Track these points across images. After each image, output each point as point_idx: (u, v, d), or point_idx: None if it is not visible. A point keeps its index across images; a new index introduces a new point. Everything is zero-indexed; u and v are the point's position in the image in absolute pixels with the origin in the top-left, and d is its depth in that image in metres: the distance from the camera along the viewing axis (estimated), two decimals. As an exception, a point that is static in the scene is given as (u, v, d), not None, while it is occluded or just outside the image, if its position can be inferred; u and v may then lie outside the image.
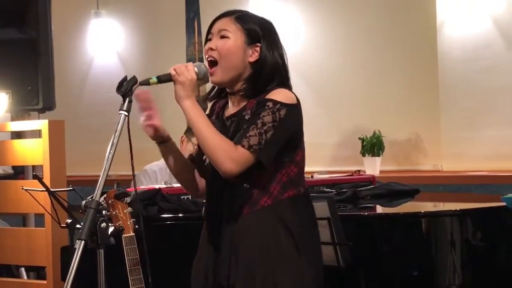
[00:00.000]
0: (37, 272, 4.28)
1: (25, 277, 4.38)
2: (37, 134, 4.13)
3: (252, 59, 2.50)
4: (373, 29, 5.06)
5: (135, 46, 5.90)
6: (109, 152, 2.42)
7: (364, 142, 4.85)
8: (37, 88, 4.19)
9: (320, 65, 5.09)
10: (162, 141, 2.60)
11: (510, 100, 4.62)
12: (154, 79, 2.46)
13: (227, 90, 2.56)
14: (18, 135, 4.31)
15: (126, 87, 2.45)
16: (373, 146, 4.82)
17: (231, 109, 2.55)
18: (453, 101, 4.78)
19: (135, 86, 2.44)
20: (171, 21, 5.74)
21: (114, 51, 5.90)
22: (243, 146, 2.37)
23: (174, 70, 2.44)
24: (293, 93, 2.47)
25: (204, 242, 2.60)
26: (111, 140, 2.43)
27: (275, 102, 2.41)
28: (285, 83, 2.51)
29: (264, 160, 2.39)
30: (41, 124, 4.08)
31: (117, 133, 2.43)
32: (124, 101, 2.46)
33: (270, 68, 2.50)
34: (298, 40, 5.17)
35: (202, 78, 2.48)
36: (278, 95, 2.43)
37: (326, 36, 5.19)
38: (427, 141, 4.94)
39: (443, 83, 4.82)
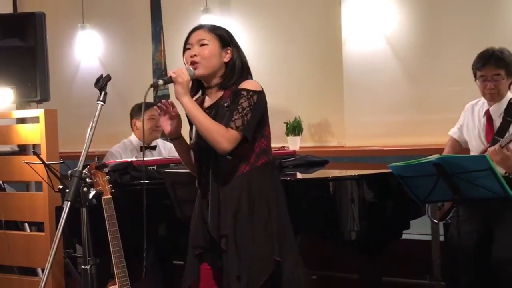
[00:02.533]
0: (38, 226, 4.25)
1: (28, 230, 4.35)
2: (36, 120, 4.10)
3: (226, 60, 2.53)
4: (296, 41, 5.07)
5: (112, 52, 5.85)
6: (89, 134, 2.45)
7: (288, 125, 4.86)
8: (36, 84, 4.18)
9: (256, 67, 5.05)
10: (175, 138, 2.56)
11: (392, 94, 4.70)
12: (161, 82, 2.46)
13: (205, 84, 2.55)
14: (21, 120, 4.30)
15: (101, 83, 2.48)
16: (294, 128, 4.83)
17: (208, 101, 2.55)
18: (353, 95, 4.85)
19: (105, 82, 2.46)
20: (141, 33, 5.71)
21: (96, 56, 5.85)
22: (232, 128, 2.40)
23: (174, 73, 2.42)
24: (258, 82, 2.52)
25: (197, 206, 2.59)
26: (90, 124, 2.46)
27: (248, 91, 2.45)
28: (249, 76, 2.57)
29: (248, 135, 2.43)
30: (38, 112, 4.08)
31: (95, 119, 2.46)
32: (100, 93, 2.49)
33: (239, 65, 2.54)
34: (246, 50, 5.15)
35: (192, 78, 2.47)
36: (249, 84, 2.48)
37: (261, 45, 5.18)
38: (334, 124, 4.97)
39: (346, 82, 4.87)
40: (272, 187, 2.56)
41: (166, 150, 4.32)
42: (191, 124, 2.56)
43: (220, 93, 2.52)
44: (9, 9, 5.85)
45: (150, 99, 5.57)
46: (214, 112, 2.49)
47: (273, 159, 2.61)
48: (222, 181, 2.48)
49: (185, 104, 2.42)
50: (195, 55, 2.47)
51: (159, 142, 4.39)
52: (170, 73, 2.46)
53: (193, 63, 2.48)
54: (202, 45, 2.49)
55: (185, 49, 2.54)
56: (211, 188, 2.50)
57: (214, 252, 2.53)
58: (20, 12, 5.56)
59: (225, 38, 2.54)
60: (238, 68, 2.54)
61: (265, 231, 2.49)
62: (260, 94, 2.49)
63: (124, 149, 4.31)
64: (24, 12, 4.58)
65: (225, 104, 2.47)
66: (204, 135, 2.42)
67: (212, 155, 2.48)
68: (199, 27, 2.56)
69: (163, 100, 2.50)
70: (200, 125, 2.42)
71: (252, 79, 2.57)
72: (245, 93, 2.44)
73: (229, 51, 2.53)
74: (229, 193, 2.48)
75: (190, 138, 2.63)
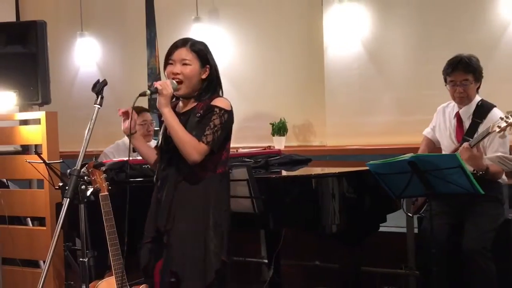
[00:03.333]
0: (39, 221, 4.23)
1: (31, 225, 4.33)
2: (37, 121, 4.09)
3: (204, 76, 2.55)
4: (281, 48, 5.05)
5: (110, 58, 5.80)
6: (87, 134, 2.45)
7: (274, 126, 4.84)
8: (37, 88, 4.16)
9: (242, 72, 5.09)
10: (132, 134, 2.60)
11: (370, 97, 4.70)
12: (148, 92, 2.49)
13: (182, 97, 2.58)
14: (24, 122, 4.28)
15: (98, 88, 2.47)
16: (279, 129, 4.82)
17: (182, 107, 2.59)
18: (334, 98, 4.84)
19: (102, 86, 2.46)
20: (136, 40, 5.68)
21: (94, 62, 5.80)
22: (203, 142, 2.45)
23: (160, 85, 2.45)
24: (229, 101, 2.56)
25: (154, 199, 2.63)
26: (88, 126, 2.45)
27: (220, 109, 2.50)
28: (220, 90, 2.61)
29: (216, 149, 2.49)
30: (40, 114, 4.07)
31: (92, 121, 2.45)
32: (97, 97, 2.47)
33: (215, 81, 2.58)
34: (228, 55, 5.14)
35: (174, 90, 2.50)
36: (222, 103, 2.53)
37: (247, 51, 5.16)
38: (316, 125, 4.95)
39: (327, 86, 4.86)
40: (226, 194, 2.62)
41: None
42: (161, 127, 2.65)
43: (194, 104, 2.57)
44: (12, 18, 5.82)
45: (144, 102, 5.55)
46: (186, 119, 2.53)
47: (228, 169, 2.66)
48: (182, 183, 2.53)
49: (165, 114, 2.47)
50: (178, 74, 2.51)
51: (153, 144, 4.35)
52: (156, 84, 2.48)
53: (175, 78, 2.52)
54: (185, 64, 2.52)
55: (167, 62, 2.56)
56: (167, 187, 2.54)
57: (161, 243, 2.56)
58: (22, 21, 5.52)
59: (203, 56, 2.57)
60: (213, 84, 2.58)
61: (214, 232, 2.52)
62: (230, 113, 2.55)
63: (117, 149, 4.28)
64: (26, 21, 4.54)
65: (197, 115, 2.52)
66: (178, 145, 2.46)
67: (176, 157, 2.51)
68: (182, 45, 2.56)
69: (124, 109, 2.57)
70: (176, 135, 2.45)
71: (222, 94, 2.62)
72: (217, 110, 2.50)
73: (207, 69, 2.57)
74: (185, 193, 2.52)
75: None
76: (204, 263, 2.49)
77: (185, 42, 2.56)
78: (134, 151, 4.20)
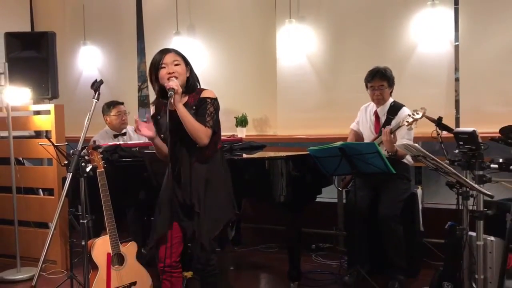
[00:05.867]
0: (49, 192, 4.19)
1: (42, 194, 4.27)
2: (48, 112, 4.04)
3: (188, 75, 2.51)
4: (243, 58, 5.01)
5: (107, 63, 5.67)
6: (86, 123, 2.43)
7: (237, 119, 4.83)
8: (48, 86, 4.12)
9: (214, 76, 5.05)
10: (154, 138, 2.50)
11: (311, 98, 4.71)
12: (171, 93, 2.36)
13: None
14: (37, 113, 4.25)
15: (96, 86, 2.44)
16: (242, 121, 4.81)
17: (172, 105, 2.45)
18: (284, 98, 4.85)
19: (99, 85, 2.43)
20: (129, 49, 5.57)
21: (95, 66, 5.67)
22: (208, 127, 2.41)
23: (176, 86, 2.37)
24: (213, 91, 2.52)
25: (168, 181, 2.49)
26: (87, 116, 2.43)
27: (211, 99, 2.46)
28: (199, 84, 2.56)
29: (217, 130, 2.47)
30: (50, 106, 4.03)
31: (91, 112, 2.43)
32: (95, 93, 2.45)
33: (194, 78, 2.54)
34: (202, 62, 5.07)
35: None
36: (210, 94, 2.49)
37: (218, 59, 5.10)
38: (270, 119, 4.95)
39: (279, 88, 4.86)
40: (225, 162, 2.60)
41: (135, 134, 4.18)
42: (155, 122, 2.53)
43: (185, 99, 2.50)
44: (27, 28, 5.69)
45: (135, 99, 5.50)
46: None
47: (222, 145, 2.64)
48: (195, 163, 2.47)
49: (179, 109, 2.39)
50: (173, 72, 2.45)
51: (129, 129, 4.24)
52: (172, 85, 2.38)
53: (171, 77, 2.44)
54: (176, 64, 2.47)
55: (160, 67, 2.46)
56: (183, 168, 2.47)
57: (183, 213, 2.50)
58: (36, 31, 5.38)
59: (186, 59, 2.55)
60: (194, 79, 2.55)
61: (228, 195, 2.52)
62: (217, 100, 2.52)
63: (102, 137, 4.14)
64: (39, 31, 4.44)
65: (193, 107, 2.46)
66: (191, 132, 2.40)
67: (185, 144, 2.45)
68: (170, 51, 2.51)
69: (146, 115, 2.48)
70: (190, 124, 2.39)
71: (200, 85, 2.57)
72: (209, 100, 2.46)
73: (189, 69, 2.54)
74: (200, 169, 2.47)
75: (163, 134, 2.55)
76: (217, 219, 2.47)
77: (170, 49, 2.53)
78: (115, 137, 4.17)
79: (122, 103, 4.22)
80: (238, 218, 4.44)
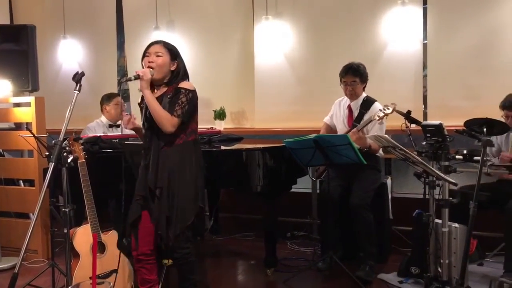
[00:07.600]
0: (30, 183, 4.11)
1: (22, 185, 4.19)
2: (28, 104, 3.96)
3: (172, 68, 2.52)
4: (222, 53, 4.99)
5: (87, 57, 5.58)
6: (68, 114, 2.40)
7: (215, 112, 4.82)
8: (28, 78, 4.02)
9: (193, 70, 4.99)
10: (136, 130, 2.57)
11: (287, 92, 4.72)
12: (133, 78, 2.43)
13: (155, 83, 2.53)
14: (17, 105, 4.13)
15: (77, 78, 2.41)
16: (220, 114, 4.80)
17: (157, 93, 2.53)
18: (261, 92, 4.85)
19: (80, 77, 2.41)
20: (109, 43, 5.49)
21: (75, 60, 5.57)
22: (174, 116, 2.42)
23: (142, 72, 2.41)
24: (192, 83, 2.53)
25: (142, 166, 2.56)
26: (69, 108, 2.39)
27: (185, 89, 2.47)
28: (186, 78, 2.56)
29: (185, 120, 2.46)
30: (30, 99, 3.94)
31: (72, 104, 2.40)
32: (76, 85, 2.42)
33: (182, 72, 2.54)
34: (182, 56, 5.01)
35: (151, 77, 2.46)
36: (186, 85, 2.50)
37: (197, 54, 5.07)
38: (248, 112, 4.94)
39: (257, 83, 4.85)
40: (198, 156, 2.59)
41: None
42: (141, 110, 2.58)
43: (165, 89, 2.53)
44: (6, 21, 5.55)
45: (114, 91, 5.43)
46: (159, 101, 2.49)
47: (198, 138, 2.63)
48: (162, 148, 2.49)
49: (146, 95, 2.43)
50: (152, 62, 2.49)
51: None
52: (138, 72, 2.44)
53: (150, 66, 2.49)
54: (158, 56, 2.50)
55: (144, 55, 2.53)
56: (152, 153, 2.50)
57: (151, 200, 2.52)
58: (16, 24, 5.25)
59: (174, 53, 2.55)
60: (180, 74, 2.55)
61: (192, 185, 2.50)
62: (194, 92, 2.52)
63: (98, 126, 4.20)
64: (19, 24, 4.33)
65: (168, 96, 2.48)
66: (156, 119, 2.43)
67: (156, 131, 2.48)
68: (158, 42, 2.56)
69: (127, 116, 2.50)
70: (155, 111, 2.42)
71: (188, 81, 2.58)
72: (183, 91, 2.47)
73: (176, 63, 2.54)
74: (166, 157, 2.48)
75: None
76: (185, 209, 2.47)
77: (160, 41, 2.57)
78: (110, 127, 4.20)
79: (118, 95, 4.30)
80: (216, 208, 4.46)
